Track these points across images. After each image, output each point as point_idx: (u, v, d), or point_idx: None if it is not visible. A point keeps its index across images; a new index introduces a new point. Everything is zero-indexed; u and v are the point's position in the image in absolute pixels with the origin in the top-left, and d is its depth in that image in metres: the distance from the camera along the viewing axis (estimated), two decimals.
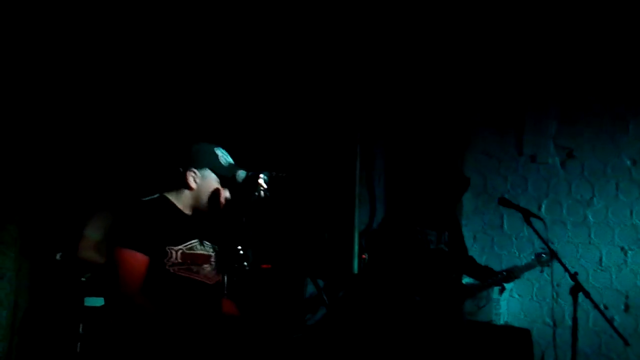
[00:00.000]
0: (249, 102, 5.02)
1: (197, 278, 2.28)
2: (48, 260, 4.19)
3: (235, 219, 2.54)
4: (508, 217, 4.69)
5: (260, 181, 2.28)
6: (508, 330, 4.43)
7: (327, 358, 4.12)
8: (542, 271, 3.55)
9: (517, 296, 4.63)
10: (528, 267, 3.62)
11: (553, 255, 3.34)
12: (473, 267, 3.73)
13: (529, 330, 4.40)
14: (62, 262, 4.13)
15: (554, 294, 4.48)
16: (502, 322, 4.52)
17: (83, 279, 3.86)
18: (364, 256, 5.20)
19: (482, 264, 3.92)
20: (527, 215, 3.31)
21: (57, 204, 4.41)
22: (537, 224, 3.43)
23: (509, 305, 4.61)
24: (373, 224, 5.31)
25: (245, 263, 2.56)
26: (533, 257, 3.47)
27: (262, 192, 2.28)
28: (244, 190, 2.32)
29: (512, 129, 4.72)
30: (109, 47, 4.46)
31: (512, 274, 3.59)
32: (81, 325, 3.69)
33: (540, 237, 3.18)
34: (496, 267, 3.93)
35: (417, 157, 5.05)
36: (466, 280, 3.80)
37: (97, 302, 3.69)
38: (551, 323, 4.52)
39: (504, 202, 3.40)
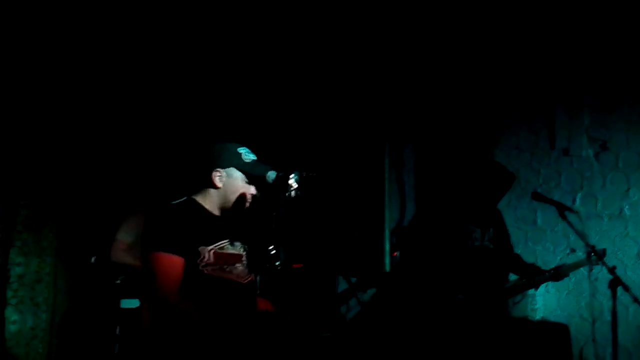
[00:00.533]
0: (277, 102, 5.04)
1: (229, 278, 2.31)
2: (83, 264, 4.27)
3: (266, 219, 2.56)
4: (541, 212, 4.61)
5: (291, 181, 2.29)
6: (545, 326, 4.36)
7: (360, 357, 4.11)
8: (591, 269, 3.47)
9: (553, 291, 4.54)
10: (577, 265, 3.55)
11: (597, 253, 3.27)
12: (519, 265, 3.68)
13: (567, 326, 4.33)
14: (96, 265, 4.20)
15: (592, 288, 4.40)
16: (538, 317, 4.45)
17: (118, 282, 3.91)
18: (395, 254, 5.17)
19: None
20: (562, 209, 3.26)
21: (91, 209, 4.49)
22: (571, 218, 3.37)
23: (545, 301, 4.53)
24: (404, 221, 5.29)
25: (277, 263, 2.57)
26: (584, 255, 3.37)
27: (292, 193, 2.29)
28: (275, 191, 2.33)
29: (543, 122, 4.63)
30: (136, 52, 4.52)
31: (560, 272, 3.52)
32: (118, 327, 3.74)
33: (575, 230, 3.12)
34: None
35: (446, 154, 5.01)
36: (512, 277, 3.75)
37: (133, 303, 3.74)
38: (589, 318, 4.43)
39: (538, 197, 3.35)
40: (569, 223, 3.20)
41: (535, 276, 3.59)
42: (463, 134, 4.95)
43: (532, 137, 4.69)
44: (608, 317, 4.27)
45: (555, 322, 4.46)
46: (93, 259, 4.14)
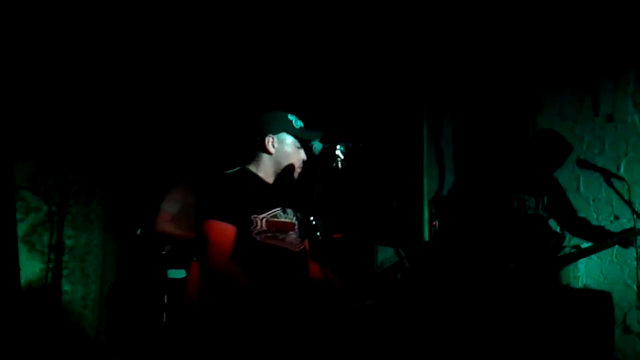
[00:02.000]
0: (314, 70, 5.03)
1: (282, 246, 2.35)
2: (130, 236, 4.38)
3: (308, 189, 2.59)
4: (584, 179, 4.55)
5: (337, 152, 2.31)
6: (588, 293, 4.33)
7: (400, 325, 4.14)
8: None
9: (595, 258, 4.50)
10: (638, 232, 3.47)
11: None
12: (585, 229, 3.62)
13: (610, 293, 4.29)
14: (142, 237, 4.29)
15: (636, 254, 4.34)
16: (580, 285, 4.43)
17: (164, 253, 4.00)
18: (434, 223, 5.17)
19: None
20: (608, 176, 3.20)
21: (137, 182, 4.58)
22: (617, 185, 3.32)
23: (587, 268, 4.50)
24: (442, 190, 5.27)
25: (317, 233, 2.60)
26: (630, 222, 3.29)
27: (339, 164, 2.31)
28: (321, 162, 2.35)
29: (587, 88, 4.54)
30: (182, 22, 4.52)
31: (628, 238, 3.43)
32: (166, 296, 3.83)
33: (622, 197, 3.08)
34: None
35: (486, 122, 4.95)
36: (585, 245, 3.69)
37: (180, 274, 3.83)
38: (633, 285, 4.39)
39: (583, 164, 3.29)
40: (615, 190, 3.14)
41: (602, 240, 3.51)
42: (503, 101, 4.88)
43: (575, 104, 4.60)
44: None
45: (598, 289, 4.44)
46: (138, 231, 4.23)
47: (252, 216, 2.30)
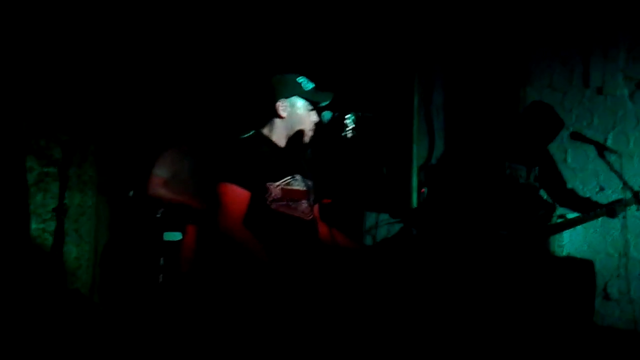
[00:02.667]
0: (305, 35, 5.01)
1: (295, 215, 2.37)
2: (123, 197, 4.39)
3: (315, 156, 2.62)
4: (572, 151, 4.65)
5: (347, 122, 2.33)
6: (571, 261, 4.46)
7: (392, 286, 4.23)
8: (638, 209, 3.51)
9: (579, 228, 4.59)
10: (628, 203, 3.57)
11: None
12: (574, 200, 3.72)
13: (592, 262, 4.43)
14: (134, 199, 4.30)
15: (619, 225, 4.47)
16: (564, 253, 4.56)
17: (158, 215, 4.02)
18: (423, 190, 5.24)
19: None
20: (600, 149, 3.28)
21: (130, 143, 4.56)
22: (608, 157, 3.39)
23: (571, 238, 4.62)
24: (432, 158, 5.34)
25: None
26: (615, 194, 3.38)
27: (349, 133, 2.33)
28: (331, 131, 2.38)
29: (578, 60, 4.60)
30: None
31: (614, 208, 3.54)
32: (162, 259, 3.87)
33: (613, 170, 3.16)
34: None
35: (477, 92, 5.00)
36: (571, 215, 3.79)
37: (176, 236, 3.87)
38: (615, 254, 4.54)
39: (576, 136, 3.37)
40: (608, 163, 3.23)
41: (591, 211, 3.61)
42: (494, 71, 4.92)
43: (565, 75, 4.66)
44: (634, 253, 4.40)
45: (581, 258, 4.58)
46: (131, 193, 4.24)
47: (267, 184, 2.31)
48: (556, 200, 3.79)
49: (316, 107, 2.46)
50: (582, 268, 4.36)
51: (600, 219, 4.51)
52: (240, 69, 4.73)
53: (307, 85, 2.46)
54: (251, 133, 2.46)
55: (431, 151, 5.35)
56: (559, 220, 3.84)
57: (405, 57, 5.22)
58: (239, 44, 4.93)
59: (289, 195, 2.36)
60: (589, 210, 3.64)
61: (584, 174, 4.63)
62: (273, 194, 2.32)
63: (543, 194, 3.86)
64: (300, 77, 2.46)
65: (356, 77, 5.16)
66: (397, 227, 5.04)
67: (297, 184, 2.42)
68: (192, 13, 4.62)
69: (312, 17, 4.95)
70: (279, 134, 2.44)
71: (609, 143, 4.47)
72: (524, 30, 4.76)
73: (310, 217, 2.46)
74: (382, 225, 5.28)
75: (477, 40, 4.93)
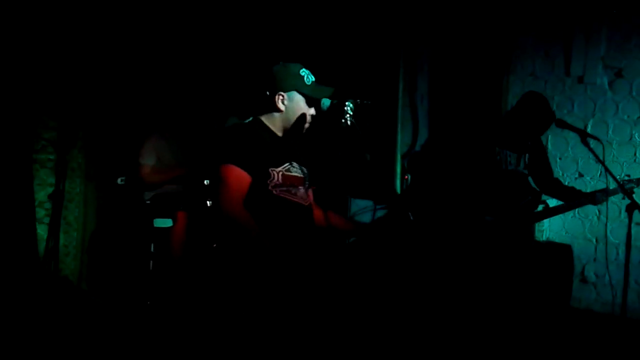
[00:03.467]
0: (291, 23, 5.01)
1: (295, 200, 2.40)
2: (111, 184, 4.37)
3: (311, 143, 2.64)
4: (553, 138, 4.76)
5: (346, 109, 2.35)
6: (550, 246, 4.58)
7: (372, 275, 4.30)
8: (623, 198, 3.60)
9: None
10: (613, 192, 3.65)
11: (632, 181, 3.39)
12: (558, 189, 3.80)
13: (570, 246, 4.56)
14: (124, 186, 4.30)
15: (597, 211, 4.61)
16: (544, 238, 4.67)
17: (148, 201, 4.03)
18: (406, 177, 5.31)
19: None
20: (584, 136, 3.36)
21: (118, 129, 4.54)
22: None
23: (550, 222, 4.74)
24: (416, 145, 5.40)
25: None
26: (619, 183, 3.43)
27: (348, 120, 2.36)
28: (329, 118, 2.40)
29: (560, 49, 4.69)
30: None
31: (597, 197, 3.61)
32: (152, 245, 3.88)
33: (597, 157, 3.24)
34: None
35: (461, 80, 5.06)
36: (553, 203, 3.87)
37: (166, 223, 3.88)
38: (593, 239, 4.68)
39: (561, 124, 3.43)
40: (591, 150, 3.31)
41: (575, 199, 3.70)
42: (478, 60, 4.99)
43: (547, 64, 4.75)
44: (611, 238, 4.54)
45: (560, 242, 4.70)
46: (119, 180, 4.24)
47: (270, 169, 2.32)
48: (541, 188, 3.87)
49: (315, 101, 2.45)
50: (560, 252, 4.50)
51: None
52: (227, 56, 4.73)
53: (309, 78, 2.43)
54: (250, 119, 2.45)
55: (415, 138, 5.41)
56: (541, 207, 3.93)
57: (390, 44, 5.25)
58: (225, 30, 4.92)
59: (290, 181, 2.37)
60: (572, 198, 3.73)
61: (564, 160, 4.75)
62: (275, 179, 2.33)
63: (531, 181, 3.95)
64: (302, 70, 2.43)
65: (341, 63, 5.18)
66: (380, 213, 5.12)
67: (295, 170, 2.43)
68: (182, 2, 4.59)
69: (299, 3, 4.95)
70: (276, 125, 2.44)
71: (589, 131, 4.59)
72: (507, 19, 4.82)
73: (308, 203, 2.49)
74: (366, 212, 5.34)
75: (461, 29, 4.98)
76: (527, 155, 3.62)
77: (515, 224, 3.53)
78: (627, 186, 3.52)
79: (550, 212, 3.77)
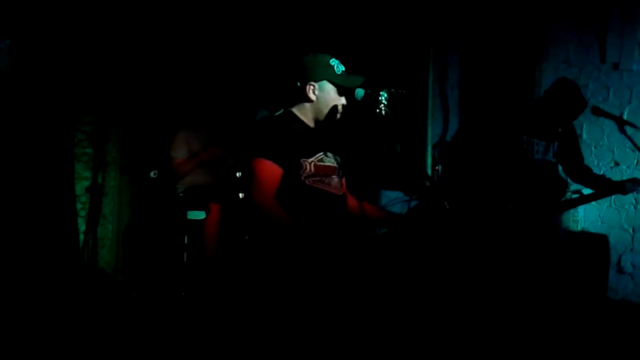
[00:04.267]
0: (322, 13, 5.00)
1: (328, 190, 2.39)
2: (145, 177, 4.43)
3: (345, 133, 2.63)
4: (587, 126, 4.68)
5: (381, 99, 2.34)
6: (585, 236, 4.52)
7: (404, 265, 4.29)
8: None
9: (594, 203, 4.65)
10: None
11: None
12: (588, 176, 3.73)
13: (606, 236, 4.49)
14: (157, 179, 4.35)
15: (634, 200, 4.53)
16: (579, 228, 4.61)
17: (181, 194, 4.08)
18: (437, 168, 5.28)
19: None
20: (622, 124, 3.30)
21: (150, 124, 4.60)
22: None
23: (586, 212, 4.67)
24: (447, 136, 5.37)
25: None
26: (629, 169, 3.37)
27: (382, 110, 2.34)
28: (364, 108, 2.39)
29: (595, 35, 4.60)
30: None
31: (626, 186, 3.53)
32: (186, 237, 3.93)
33: (635, 145, 3.19)
34: None
35: (493, 69, 5.00)
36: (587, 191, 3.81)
37: (199, 215, 3.92)
38: (629, 229, 4.59)
39: (597, 111, 3.37)
40: (629, 137, 3.25)
41: (604, 188, 3.63)
42: (510, 48, 4.92)
43: (582, 51, 4.67)
44: None
45: (596, 232, 4.63)
46: (153, 173, 4.29)
47: (302, 160, 2.32)
48: (571, 176, 3.81)
49: (346, 91, 2.45)
50: (596, 242, 4.43)
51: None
52: (257, 49, 4.75)
53: (339, 68, 2.41)
54: (281, 111, 2.46)
55: (446, 129, 5.38)
56: (574, 196, 3.86)
57: (420, 34, 5.22)
58: (256, 23, 4.93)
59: (322, 171, 2.36)
60: (602, 187, 3.65)
61: (599, 149, 4.67)
62: (307, 170, 2.32)
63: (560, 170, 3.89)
64: (332, 60, 2.41)
65: (371, 54, 5.16)
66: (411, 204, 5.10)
67: (329, 160, 2.42)
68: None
69: None
70: (307, 116, 2.43)
71: (625, 118, 4.50)
72: (539, 6, 4.75)
73: (342, 192, 2.48)
74: (396, 203, 5.33)
75: (493, 17, 4.92)
76: (556, 143, 3.55)
77: (541, 212, 3.48)
78: None
79: (577, 202, 3.70)
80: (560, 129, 3.54)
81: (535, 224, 3.52)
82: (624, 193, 3.62)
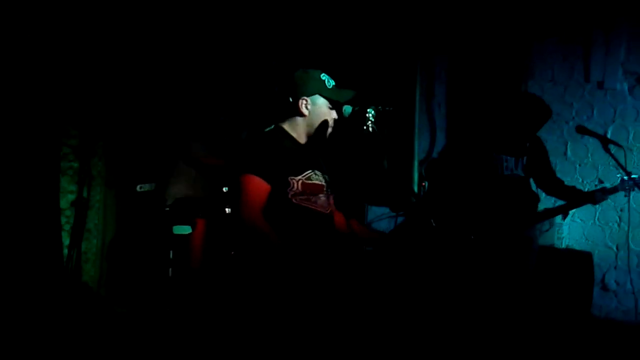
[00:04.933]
0: (311, 29, 5.03)
1: (315, 208, 2.39)
2: (130, 192, 4.41)
3: (333, 150, 2.63)
4: (572, 144, 4.73)
5: (368, 116, 2.35)
6: (570, 253, 4.54)
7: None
8: (626, 196, 3.57)
9: (579, 220, 4.72)
10: (613, 190, 3.62)
11: (632, 179, 3.36)
12: (560, 189, 3.77)
13: (591, 253, 4.51)
14: (144, 193, 4.32)
15: (618, 218, 4.57)
16: (564, 245, 4.64)
17: (167, 209, 4.06)
18: (423, 184, 5.30)
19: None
20: (606, 143, 3.34)
21: (137, 138, 4.58)
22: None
23: (570, 230, 4.71)
24: (433, 152, 5.40)
25: None
26: (618, 182, 3.43)
27: (370, 127, 2.35)
28: (351, 125, 2.40)
29: (579, 55, 4.67)
30: None
31: (596, 196, 3.57)
32: (171, 252, 3.90)
33: (618, 163, 3.22)
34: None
35: (479, 86, 5.05)
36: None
37: (185, 230, 3.90)
38: (613, 247, 4.63)
39: (582, 130, 3.41)
40: (612, 156, 3.28)
41: (576, 198, 3.66)
42: (496, 66, 4.98)
43: (567, 70, 4.73)
44: (632, 245, 4.49)
45: (580, 250, 4.66)
46: (138, 187, 4.26)
47: (289, 177, 2.32)
48: (544, 189, 3.85)
49: (336, 105, 2.46)
50: (581, 260, 4.45)
51: (598, 212, 4.65)
52: (243, 64, 4.76)
53: (329, 83, 2.44)
54: (271, 127, 2.46)
55: (432, 145, 5.41)
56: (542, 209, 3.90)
57: (407, 51, 5.26)
58: (241, 40, 4.95)
59: (310, 189, 2.37)
60: (574, 198, 3.70)
61: (583, 167, 4.72)
62: (295, 188, 2.33)
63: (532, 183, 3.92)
64: (323, 74, 2.44)
65: (359, 71, 5.19)
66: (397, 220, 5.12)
67: (317, 177, 2.42)
68: (195, 10, 4.62)
69: (317, 10, 4.96)
70: (299, 131, 2.44)
71: (609, 137, 4.54)
72: (525, 25, 4.81)
73: (329, 211, 2.48)
74: (383, 219, 5.34)
75: (479, 35, 4.97)
76: (524, 157, 3.59)
77: (514, 227, 3.50)
78: (627, 185, 3.46)
79: (549, 213, 3.73)
80: (527, 144, 3.57)
81: (510, 239, 3.54)
82: (594, 203, 3.67)
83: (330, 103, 2.45)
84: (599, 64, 4.58)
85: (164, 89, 4.65)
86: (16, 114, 3.98)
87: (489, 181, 3.50)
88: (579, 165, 4.73)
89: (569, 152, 4.75)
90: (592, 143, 4.55)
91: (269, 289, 2.29)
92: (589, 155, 4.68)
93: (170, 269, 3.89)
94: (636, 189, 3.41)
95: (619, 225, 4.60)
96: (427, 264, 3.92)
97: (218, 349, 3.11)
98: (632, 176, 3.38)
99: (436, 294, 3.80)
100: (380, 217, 5.37)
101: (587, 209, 4.63)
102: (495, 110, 3.77)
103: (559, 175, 4.73)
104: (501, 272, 3.55)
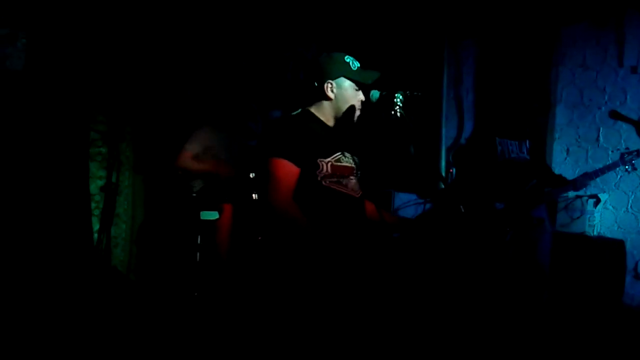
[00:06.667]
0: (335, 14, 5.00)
1: (345, 191, 2.37)
2: (159, 177, 4.44)
3: (363, 133, 2.62)
4: (604, 130, 4.62)
5: (396, 100, 2.33)
6: (601, 241, 4.47)
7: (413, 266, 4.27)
8: (627, 170, 3.52)
9: (611, 208, 4.63)
10: (609, 167, 3.59)
11: (630, 153, 3.34)
12: (548, 176, 3.79)
13: (623, 241, 4.44)
14: (171, 178, 4.34)
15: None
16: (595, 233, 4.56)
17: (194, 194, 4.07)
18: (451, 171, 5.26)
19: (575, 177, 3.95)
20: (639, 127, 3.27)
21: (166, 123, 4.60)
22: None
23: (602, 217, 4.62)
24: (461, 139, 5.34)
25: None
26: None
27: (398, 112, 2.33)
28: (378, 110, 2.38)
29: (612, 38, 4.55)
30: None
31: (577, 182, 3.59)
32: (199, 237, 3.92)
33: None
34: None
35: (509, 72, 4.97)
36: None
37: (212, 215, 3.92)
38: None
39: (615, 116, 3.36)
40: None
41: (558, 186, 3.69)
42: (526, 51, 4.89)
43: (599, 54, 4.62)
44: None
45: (612, 237, 4.58)
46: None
47: (318, 160, 2.30)
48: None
49: (363, 87, 2.45)
50: (612, 248, 4.39)
51: (631, 199, 4.56)
52: (274, 51, 4.75)
53: (354, 64, 2.42)
54: (299, 111, 2.45)
55: (460, 132, 5.36)
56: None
57: (435, 37, 5.21)
58: (272, 26, 4.94)
59: (339, 171, 2.35)
60: (558, 184, 3.73)
61: (616, 154, 4.60)
62: (324, 170, 2.31)
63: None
64: (347, 57, 2.43)
65: (386, 56, 5.15)
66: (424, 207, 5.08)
67: (346, 160, 2.41)
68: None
69: None
70: (326, 114, 2.43)
71: None
72: (555, 8, 4.71)
73: (359, 194, 2.46)
74: (409, 205, 5.30)
75: (507, 20, 4.89)
76: (527, 141, 3.60)
77: (525, 207, 3.50)
78: (627, 158, 3.44)
79: (543, 197, 3.74)
80: (528, 126, 3.62)
81: (519, 219, 3.55)
82: (576, 189, 3.72)
83: (357, 85, 2.42)
84: (632, 48, 4.45)
85: (192, 74, 4.67)
86: (46, 101, 4.03)
87: (496, 165, 3.53)
88: (612, 151, 4.62)
89: (601, 139, 4.65)
90: (626, 129, 4.45)
91: (297, 273, 2.28)
92: (622, 141, 4.57)
93: (198, 254, 3.91)
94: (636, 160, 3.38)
95: None
96: (454, 252, 3.91)
97: (246, 335, 3.13)
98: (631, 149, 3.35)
99: (461, 282, 3.79)
100: (407, 203, 5.33)
101: (619, 195, 4.57)
102: (500, 96, 3.84)
103: (590, 161, 4.71)
104: (518, 255, 3.57)
